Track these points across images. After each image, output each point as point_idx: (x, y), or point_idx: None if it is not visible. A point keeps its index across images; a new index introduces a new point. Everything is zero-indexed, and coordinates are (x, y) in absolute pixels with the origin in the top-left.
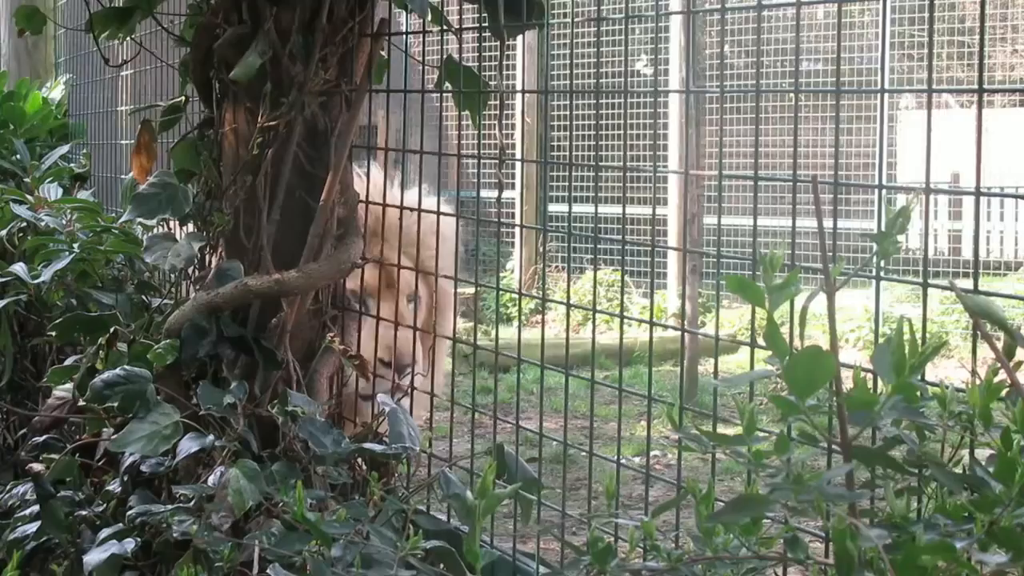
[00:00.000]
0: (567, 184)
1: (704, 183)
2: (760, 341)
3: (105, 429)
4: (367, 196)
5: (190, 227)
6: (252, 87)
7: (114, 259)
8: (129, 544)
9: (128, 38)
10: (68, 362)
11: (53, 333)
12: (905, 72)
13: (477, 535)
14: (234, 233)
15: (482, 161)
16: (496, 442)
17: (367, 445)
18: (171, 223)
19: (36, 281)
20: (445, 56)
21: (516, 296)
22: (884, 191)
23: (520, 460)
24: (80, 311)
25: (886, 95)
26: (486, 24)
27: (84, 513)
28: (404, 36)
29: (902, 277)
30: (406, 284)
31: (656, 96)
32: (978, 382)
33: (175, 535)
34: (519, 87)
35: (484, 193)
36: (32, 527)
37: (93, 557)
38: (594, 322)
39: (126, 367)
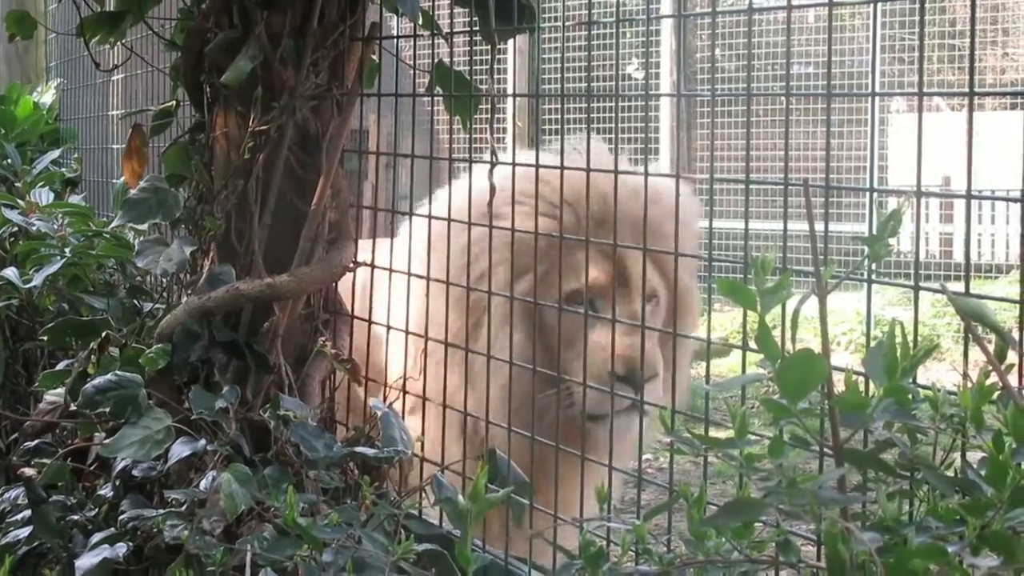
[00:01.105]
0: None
1: (695, 186)
2: (752, 344)
3: (97, 434)
4: (587, 172)
5: (182, 231)
6: (243, 91)
7: (106, 263)
8: (121, 549)
9: (119, 42)
10: (60, 367)
11: (45, 338)
12: (896, 75)
13: (469, 539)
14: (226, 237)
15: (474, 165)
16: (488, 446)
17: (359, 449)
18: (162, 227)
19: (28, 286)
20: (436, 60)
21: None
22: (875, 194)
23: (512, 464)
24: (72, 316)
25: (877, 98)
26: (477, 28)
27: (76, 518)
28: (395, 40)
29: (893, 280)
30: (642, 280)
31: (647, 100)
32: (970, 385)
33: (167, 540)
34: (510, 91)
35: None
36: (24, 532)
37: (85, 562)
38: (586, 326)
39: (118, 372)
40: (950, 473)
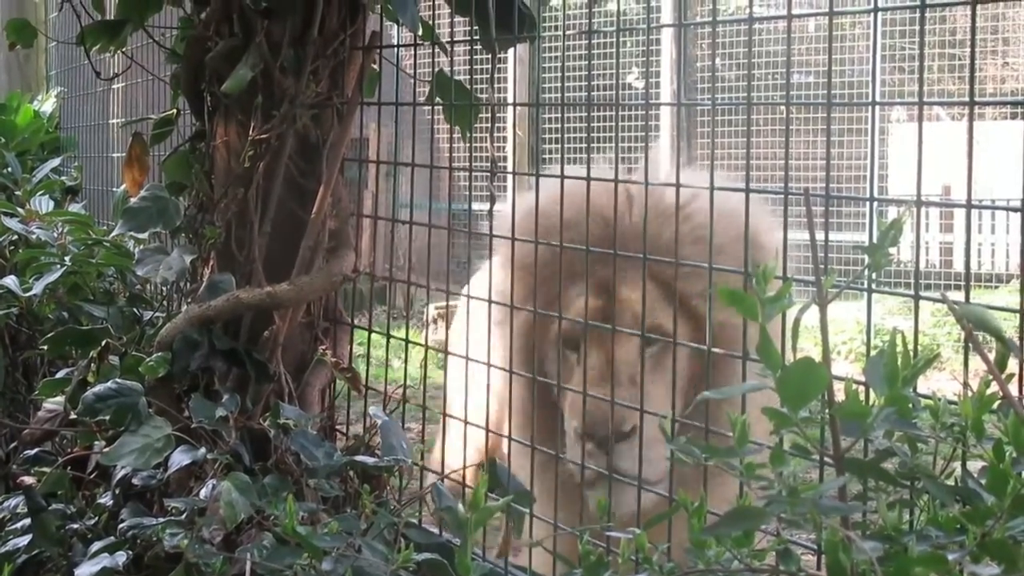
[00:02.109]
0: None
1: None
2: (752, 353)
3: (97, 442)
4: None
5: (182, 240)
6: (243, 100)
7: (105, 272)
8: (121, 557)
9: (119, 51)
10: (60, 375)
11: (45, 346)
12: (896, 85)
13: (469, 548)
14: (226, 246)
15: (474, 174)
16: (488, 455)
17: (359, 458)
18: (162, 236)
19: (28, 294)
20: (436, 69)
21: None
22: (875, 203)
23: (512, 473)
24: (72, 324)
25: (877, 107)
26: (477, 37)
27: (76, 526)
28: (395, 49)
29: (894, 289)
30: (636, 319)
31: (647, 108)
32: (970, 394)
33: (167, 548)
34: (510, 99)
35: (476, 205)
36: (23, 540)
37: (85, 570)
38: (585, 334)
39: (118, 380)
40: (950, 482)
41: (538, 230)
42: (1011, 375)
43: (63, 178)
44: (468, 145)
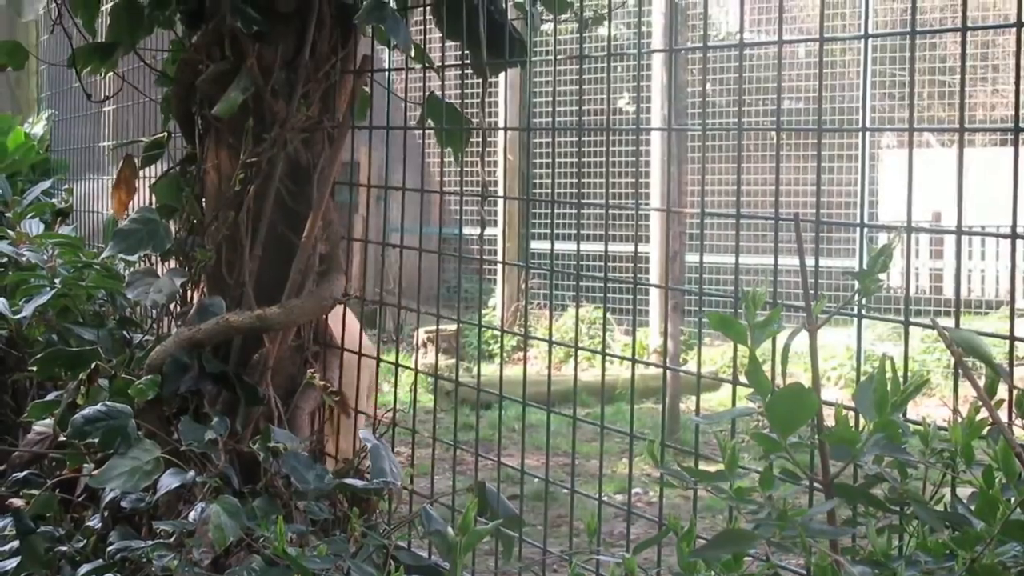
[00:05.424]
0: (549, 221)
1: (686, 221)
2: (742, 379)
3: (86, 465)
4: None
5: (172, 263)
6: (234, 123)
7: (95, 295)
8: None
9: (111, 74)
10: (49, 397)
11: (34, 368)
12: (887, 111)
13: (458, 571)
14: (216, 269)
15: (464, 198)
16: (477, 479)
17: (348, 481)
18: (152, 259)
19: (17, 317)
20: (427, 93)
21: (498, 333)
22: (866, 229)
23: (501, 497)
24: (61, 347)
25: (867, 134)
26: (468, 61)
27: (64, 549)
28: (387, 73)
29: (884, 315)
30: None
31: (638, 134)
32: (959, 420)
33: (155, 571)
34: (501, 124)
35: (466, 230)
36: (12, 563)
37: None
38: (576, 359)
39: (107, 403)
40: (940, 508)
41: None
42: (1000, 401)
43: (53, 200)
44: (459, 169)
